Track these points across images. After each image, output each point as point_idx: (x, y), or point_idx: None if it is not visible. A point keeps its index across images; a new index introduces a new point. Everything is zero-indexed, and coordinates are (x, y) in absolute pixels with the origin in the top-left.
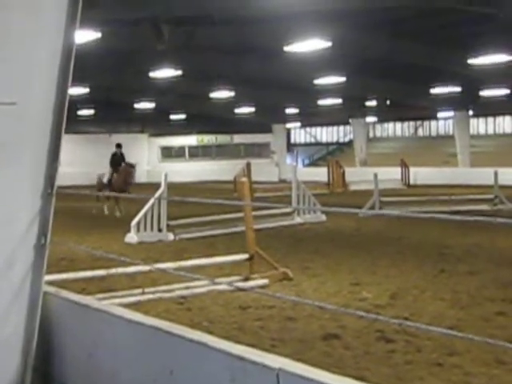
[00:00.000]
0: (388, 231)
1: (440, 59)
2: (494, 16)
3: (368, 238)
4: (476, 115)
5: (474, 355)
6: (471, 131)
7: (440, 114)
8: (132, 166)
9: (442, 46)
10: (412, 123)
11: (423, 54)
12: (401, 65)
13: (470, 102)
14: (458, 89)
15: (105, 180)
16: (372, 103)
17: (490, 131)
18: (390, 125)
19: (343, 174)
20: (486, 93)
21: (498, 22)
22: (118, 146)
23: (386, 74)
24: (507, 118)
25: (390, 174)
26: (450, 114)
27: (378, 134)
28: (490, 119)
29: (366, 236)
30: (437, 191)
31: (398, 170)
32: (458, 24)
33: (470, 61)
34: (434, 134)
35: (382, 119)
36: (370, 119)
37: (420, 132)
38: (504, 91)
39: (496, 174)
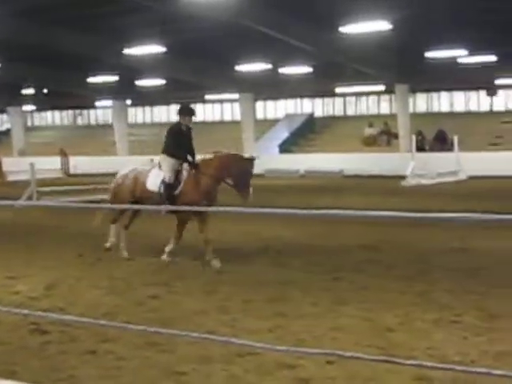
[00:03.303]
0: (47, 221)
1: (97, 48)
2: (148, 8)
3: (26, 230)
4: (134, 104)
5: (126, 340)
6: (129, 120)
7: (99, 103)
8: (249, 161)
9: (98, 35)
10: (71, 112)
11: (80, 43)
12: (58, 53)
13: (127, 92)
14: (115, 78)
15: (155, 184)
16: (29, 91)
17: (148, 120)
18: (49, 113)
19: (0, 163)
20: (142, 82)
21: (152, 14)
22: (186, 111)
23: (43, 61)
24: (163, 107)
25: (50, 164)
26: (109, 103)
27: (37, 123)
28: (148, 108)
29: (23, 227)
30: (97, 180)
31: (58, 159)
32: (114, 14)
33: (126, 51)
34: (93, 122)
35: (41, 108)
36: (28, 107)
37: (79, 121)
38: (159, 81)
39: (152, 162)
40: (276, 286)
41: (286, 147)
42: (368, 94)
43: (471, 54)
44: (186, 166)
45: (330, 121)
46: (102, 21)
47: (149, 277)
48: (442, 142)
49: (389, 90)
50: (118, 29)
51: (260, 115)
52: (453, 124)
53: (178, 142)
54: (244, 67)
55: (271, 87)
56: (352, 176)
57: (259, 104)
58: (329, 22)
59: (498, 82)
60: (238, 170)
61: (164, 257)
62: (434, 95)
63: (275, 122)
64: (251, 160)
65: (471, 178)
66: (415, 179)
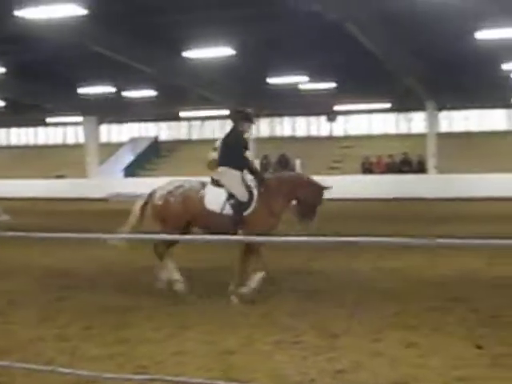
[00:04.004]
0: None
1: None
2: None
3: None
4: None
5: None
6: None
7: None
8: (323, 189)
9: None
10: None
11: None
12: None
13: None
14: None
15: (218, 202)
16: None
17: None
18: None
19: None
20: None
21: None
22: (245, 116)
23: None
24: (2, 130)
25: None
26: None
27: None
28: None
29: None
30: None
31: None
32: None
33: None
34: None
35: None
36: None
37: None
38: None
39: None
40: (118, 312)
41: (131, 171)
42: (213, 118)
43: (312, 80)
44: (252, 181)
45: (175, 144)
46: None
47: None
48: (284, 166)
49: None
50: None
51: (104, 138)
52: (295, 148)
53: (242, 151)
54: (87, 90)
55: (115, 110)
56: None
57: (103, 127)
58: (173, 46)
59: (337, 107)
60: (308, 194)
61: (234, 300)
62: (277, 120)
63: (120, 145)
64: (325, 188)
65: None
66: None
